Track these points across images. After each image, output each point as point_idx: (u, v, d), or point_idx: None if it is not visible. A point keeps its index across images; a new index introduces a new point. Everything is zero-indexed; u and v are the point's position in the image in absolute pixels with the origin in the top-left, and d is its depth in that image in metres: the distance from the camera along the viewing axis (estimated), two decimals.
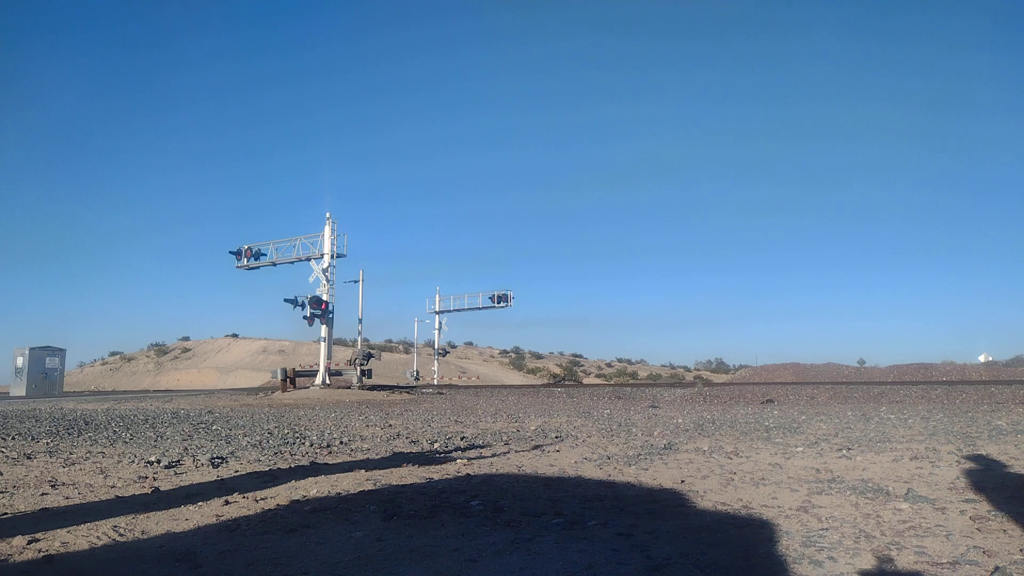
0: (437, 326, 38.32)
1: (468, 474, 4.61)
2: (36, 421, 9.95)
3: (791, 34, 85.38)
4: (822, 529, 2.93)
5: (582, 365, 67.45)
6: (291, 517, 3.32)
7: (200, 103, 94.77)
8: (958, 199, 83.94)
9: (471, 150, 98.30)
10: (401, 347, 63.03)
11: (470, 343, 70.07)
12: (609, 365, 68.30)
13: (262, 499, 3.76)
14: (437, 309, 38.15)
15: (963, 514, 3.16)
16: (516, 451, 5.89)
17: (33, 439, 7.24)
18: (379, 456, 5.63)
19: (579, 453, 5.70)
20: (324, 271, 21.52)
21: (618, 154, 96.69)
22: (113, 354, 66.85)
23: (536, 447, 6.16)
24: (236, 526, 3.15)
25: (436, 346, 39.63)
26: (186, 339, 68.35)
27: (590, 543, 2.75)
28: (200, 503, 3.67)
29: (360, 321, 23.15)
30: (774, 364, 46.94)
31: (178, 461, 5.34)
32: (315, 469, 4.90)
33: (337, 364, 22.12)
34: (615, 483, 4.20)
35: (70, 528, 3.09)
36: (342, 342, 45.10)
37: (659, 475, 4.46)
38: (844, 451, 5.49)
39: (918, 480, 4.10)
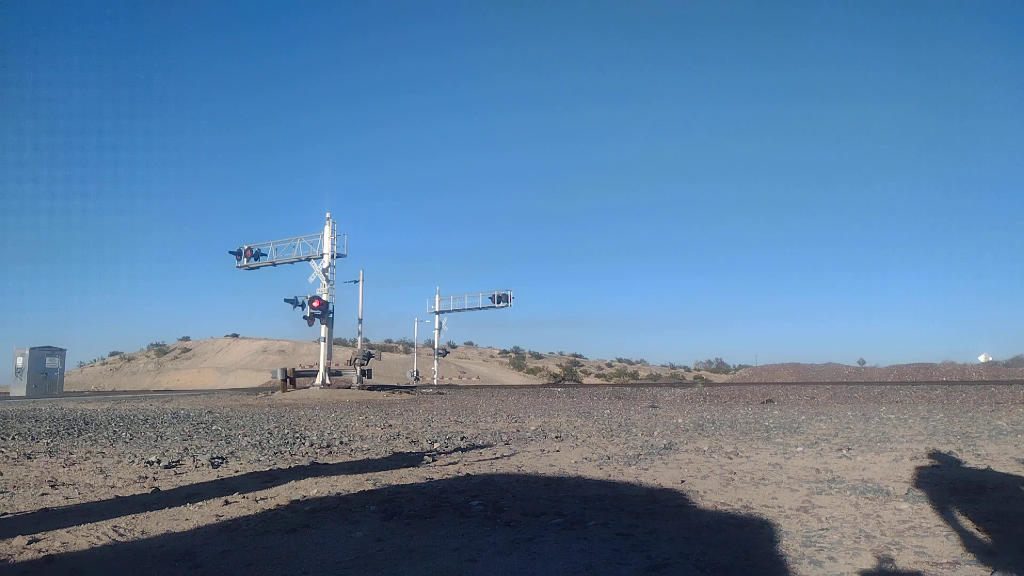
0: (437, 326, 38.31)
1: (468, 474, 4.61)
2: (36, 421, 9.95)
3: (791, 34, 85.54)
4: (822, 529, 2.93)
5: (582, 365, 67.44)
6: (291, 517, 3.32)
7: (200, 103, 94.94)
8: (958, 199, 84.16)
9: (471, 150, 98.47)
10: (401, 347, 63.00)
11: (470, 343, 70.09)
12: (609, 365, 68.26)
13: (262, 499, 3.76)
14: (437, 309, 38.13)
15: (964, 514, 3.16)
16: (516, 451, 5.89)
17: (33, 439, 7.24)
18: (379, 456, 5.63)
19: (579, 453, 5.70)
20: (324, 271, 21.50)
21: (618, 154, 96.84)
22: (113, 354, 66.86)
23: (536, 447, 6.16)
24: (236, 526, 3.15)
25: (436, 346, 39.60)
26: (186, 339, 68.36)
27: (590, 543, 2.75)
28: (200, 503, 3.67)
29: (360, 321, 23.15)
30: (774, 364, 46.90)
31: (178, 461, 5.34)
32: (315, 469, 4.90)
33: (337, 364, 22.10)
34: (615, 483, 4.20)
35: (70, 528, 3.09)
36: (342, 342, 45.08)
37: (659, 475, 4.46)
38: (844, 451, 5.49)
39: (918, 480, 4.10)
